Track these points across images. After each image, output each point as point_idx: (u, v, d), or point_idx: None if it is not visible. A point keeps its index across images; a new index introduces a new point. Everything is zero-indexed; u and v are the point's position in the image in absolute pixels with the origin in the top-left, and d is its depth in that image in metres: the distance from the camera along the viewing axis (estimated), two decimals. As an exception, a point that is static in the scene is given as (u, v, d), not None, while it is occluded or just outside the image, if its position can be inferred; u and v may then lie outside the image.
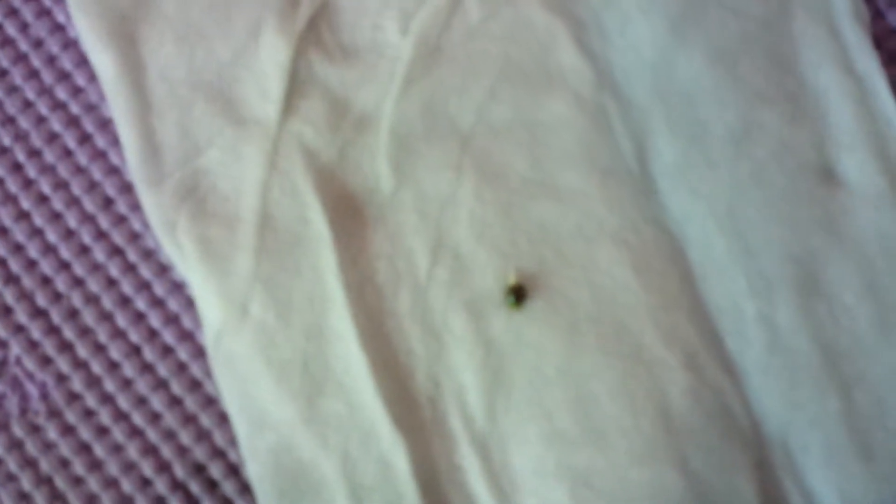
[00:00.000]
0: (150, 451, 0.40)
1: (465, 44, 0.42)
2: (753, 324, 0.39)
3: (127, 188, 0.42)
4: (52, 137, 0.43)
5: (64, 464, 0.40)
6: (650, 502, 0.37)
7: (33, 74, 0.43)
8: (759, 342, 0.39)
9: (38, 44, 0.43)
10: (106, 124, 0.43)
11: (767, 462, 0.39)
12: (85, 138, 0.43)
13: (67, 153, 0.43)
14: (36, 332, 0.41)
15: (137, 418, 0.41)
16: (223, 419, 0.40)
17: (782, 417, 0.39)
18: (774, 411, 0.39)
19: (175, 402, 0.41)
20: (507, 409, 0.38)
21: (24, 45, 0.43)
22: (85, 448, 0.40)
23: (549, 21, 0.42)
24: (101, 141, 0.43)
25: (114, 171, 0.42)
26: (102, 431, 0.40)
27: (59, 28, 0.43)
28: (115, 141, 0.42)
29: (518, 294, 0.39)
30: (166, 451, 0.40)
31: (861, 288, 0.40)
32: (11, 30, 0.43)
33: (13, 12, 0.43)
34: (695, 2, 0.41)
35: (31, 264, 0.42)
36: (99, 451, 0.40)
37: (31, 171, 0.43)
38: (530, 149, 0.41)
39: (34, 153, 0.42)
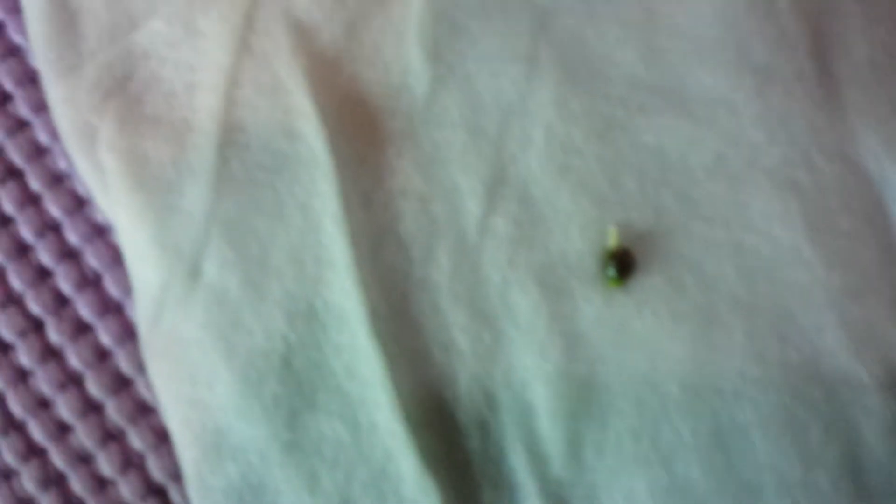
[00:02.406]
0: (51, 482, 0.25)
1: None
2: None
3: (29, 78, 0.27)
4: None
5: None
6: None
7: None
8: None
9: None
10: None
11: None
12: None
13: None
14: None
15: (35, 431, 0.25)
16: (161, 438, 0.25)
17: None
18: None
19: (90, 408, 0.25)
20: (599, 447, 0.24)
21: None
22: None
23: None
24: None
25: (12, 52, 0.27)
26: None
27: None
28: (15, 7, 0.27)
29: (622, 263, 0.24)
30: (76, 483, 0.25)
31: None
32: None
33: None
34: None
35: None
36: None
37: None
38: (644, 32, 0.26)
39: None
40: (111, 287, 0.26)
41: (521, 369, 0.24)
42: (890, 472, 0.23)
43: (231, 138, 0.25)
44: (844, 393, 0.24)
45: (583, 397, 0.24)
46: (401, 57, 0.26)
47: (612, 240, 0.24)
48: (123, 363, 0.25)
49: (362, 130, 0.25)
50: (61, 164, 0.26)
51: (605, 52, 0.26)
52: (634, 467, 0.23)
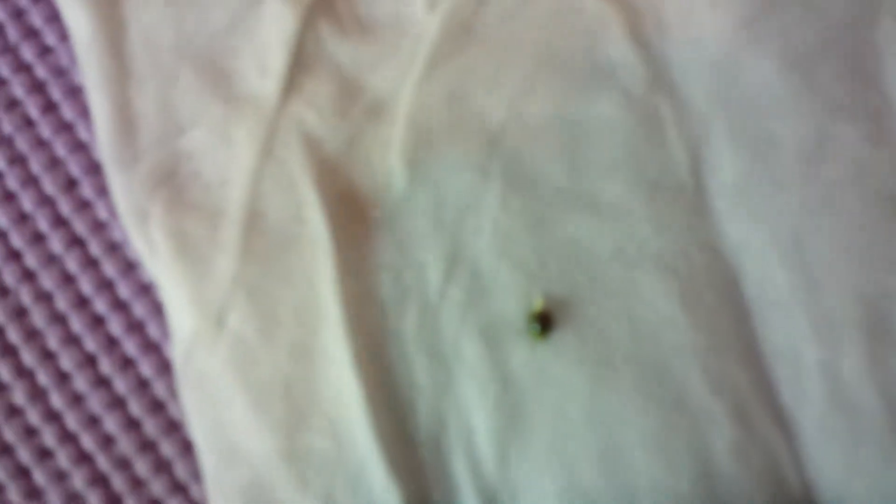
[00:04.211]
0: (100, 481, 0.32)
1: (500, 26, 0.35)
2: (813, 373, 0.33)
3: (94, 168, 0.34)
4: (13, 104, 0.35)
5: (-4, 489, 0.31)
6: (685, 577, 0.31)
7: (-4, 28, 0.34)
8: (818, 394, 0.33)
9: (5, -6, 0.34)
10: (76, 92, 0.35)
11: (820, 535, 0.32)
12: (50, 107, 0.35)
13: (28, 123, 0.35)
14: (-25, 331, 0.33)
15: (87, 441, 0.33)
16: (187, 448, 0.33)
17: (840, 484, 0.32)
18: (831, 476, 0.32)
19: (132, 424, 0.33)
20: (521, 457, 0.32)
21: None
22: (23, 472, 0.32)
23: (600, 6, 0.35)
24: (68, 111, 0.35)
25: (81, 147, 0.35)
26: (45, 454, 0.33)
27: (30, -23, 0.34)
28: (84, 112, 0.35)
29: (544, 323, 0.32)
30: (118, 483, 0.32)
31: (940, 339, 0.33)
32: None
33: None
34: (770, -4, 0.35)
35: (-24, 250, 0.34)
36: (39, 477, 0.32)
37: (-15, 141, 0.34)
38: (568, 153, 0.34)
39: (-10, 120, 0.33)
40: (153, 331, 0.33)
41: (466, 400, 0.32)
42: (733, 480, 0.31)
43: (254, 222, 0.33)
44: (703, 422, 0.32)
45: (511, 421, 0.31)
46: (385, 164, 0.33)
47: (538, 305, 0.32)
48: (160, 390, 0.33)
49: (354, 218, 0.33)
50: (117, 236, 0.34)
51: (538, 166, 0.33)
52: (547, 473, 0.31)
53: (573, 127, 0.34)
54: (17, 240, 0.34)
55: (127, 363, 0.33)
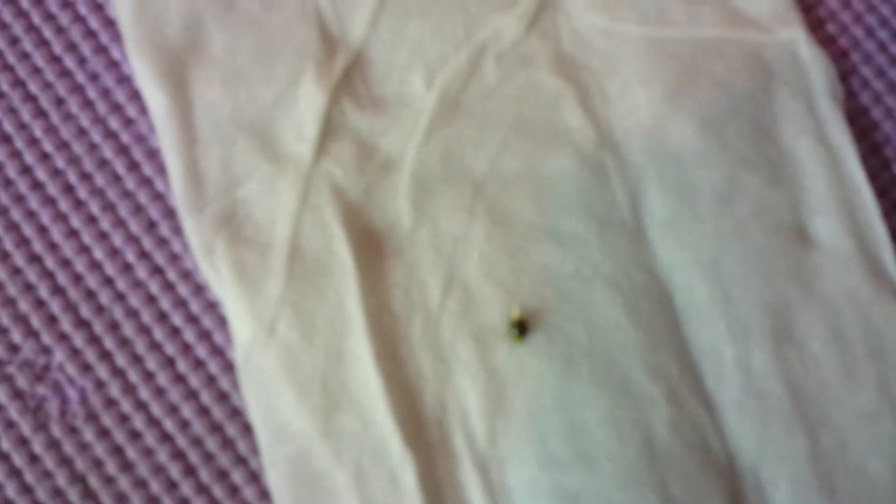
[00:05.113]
0: (179, 455, 0.40)
1: (482, 100, 0.42)
2: (730, 366, 0.39)
3: (170, 213, 0.42)
4: (103, 163, 0.43)
5: (98, 464, 0.40)
6: (633, 525, 0.36)
7: (88, 104, 0.43)
8: (735, 383, 0.39)
9: (94, 77, 0.44)
10: (153, 154, 0.43)
11: (739, 492, 0.39)
12: (133, 166, 0.43)
13: (116, 178, 0.43)
14: (78, 341, 0.41)
15: (168, 425, 0.40)
16: (247, 429, 0.40)
17: (754, 452, 0.39)
18: (747, 446, 0.39)
19: (203, 411, 0.40)
20: (506, 433, 0.38)
21: (81, 78, 0.43)
22: (118, 450, 0.40)
23: (558, 85, 0.42)
24: (148, 169, 0.43)
25: (159, 197, 0.42)
26: (135, 435, 0.40)
27: (114, 64, 0.44)
28: (161, 170, 0.42)
29: (521, 328, 0.39)
30: (193, 457, 0.40)
31: (828, 338, 0.40)
32: (70, 63, 0.43)
33: (72, 47, 0.44)
34: (688, 75, 0.42)
35: (78, 278, 0.42)
36: (131, 453, 0.40)
37: (83, 193, 0.43)
38: (536, 197, 0.40)
39: (86, 176, 0.42)
40: (219, 339, 0.41)
41: (461, 389, 0.38)
42: (670, 449, 0.37)
43: (295, 253, 0.39)
44: (645, 404, 0.38)
45: (497, 404, 0.38)
46: (395, 206, 0.40)
47: (515, 314, 0.38)
48: (225, 384, 0.40)
49: (371, 249, 0.39)
50: (189, 265, 0.41)
51: (513, 206, 0.40)
52: (526, 445, 0.37)
53: (539, 177, 0.40)
54: (110, 269, 0.42)
55: (198, 363, 0.40)
